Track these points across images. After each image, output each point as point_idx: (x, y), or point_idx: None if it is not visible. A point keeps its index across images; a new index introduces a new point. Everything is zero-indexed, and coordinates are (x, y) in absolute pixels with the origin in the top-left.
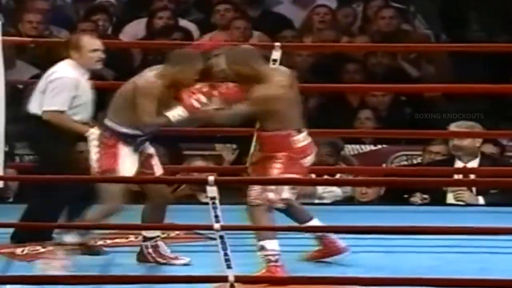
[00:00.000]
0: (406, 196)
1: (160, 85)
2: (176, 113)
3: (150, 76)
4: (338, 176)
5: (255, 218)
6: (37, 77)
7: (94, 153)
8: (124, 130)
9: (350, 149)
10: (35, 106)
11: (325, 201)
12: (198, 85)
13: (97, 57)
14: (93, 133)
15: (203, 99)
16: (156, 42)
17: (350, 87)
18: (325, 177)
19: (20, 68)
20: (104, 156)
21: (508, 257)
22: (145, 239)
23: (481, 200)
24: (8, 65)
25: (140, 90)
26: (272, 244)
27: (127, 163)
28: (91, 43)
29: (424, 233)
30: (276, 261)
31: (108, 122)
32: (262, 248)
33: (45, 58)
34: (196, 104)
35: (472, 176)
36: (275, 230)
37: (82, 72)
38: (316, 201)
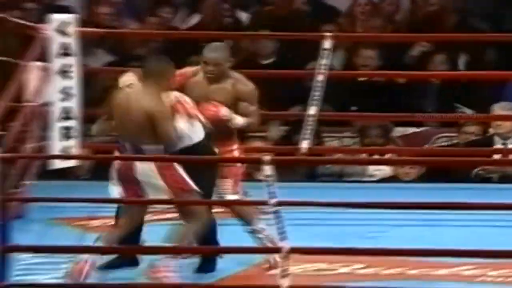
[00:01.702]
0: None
1: (168, 102)
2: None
3: (151, 97)
4: (387, 156)
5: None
6: (113, 64)
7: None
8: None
9: (396, 131)
10: None
11: (374, 179)
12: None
13: None
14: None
15: (227, 110)
16: (210, 33)
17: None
18: (376, 156)
19: (100, 55)
20: (173, 178)
21: None
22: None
23: None
24: (89, 53)
25: (158, 115)
26: None
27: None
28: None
29: (463, 209)
30: None
31: (147, 148)
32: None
33: (119, 47)
34: (225, 116)
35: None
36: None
37: None
38: (366, 178)
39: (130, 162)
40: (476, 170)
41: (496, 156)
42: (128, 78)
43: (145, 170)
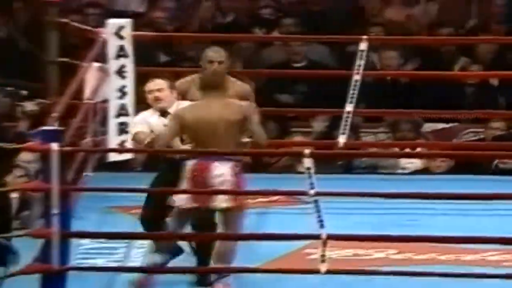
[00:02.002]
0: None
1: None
2: None
3: (236, 103)
4: (418, 149)
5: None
6: (167, 64)
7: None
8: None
9: (426, 126)
10: None
11: (406, 171)
12: None
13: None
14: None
15: None
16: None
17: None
18: (407, 150)
19: (156, 56)
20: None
21: None
22: None
23: None
24: (145, 54)
25: (250, 118)
26: None
27: None
28: (147, 85)
29: (490, 199)
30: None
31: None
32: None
33: (171, 48)
34: None
35: None
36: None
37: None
38: (399, 171)
39: (208, 167)
40: (495, 162)
41: None
42: (155, 84)
43: (221, 176)
